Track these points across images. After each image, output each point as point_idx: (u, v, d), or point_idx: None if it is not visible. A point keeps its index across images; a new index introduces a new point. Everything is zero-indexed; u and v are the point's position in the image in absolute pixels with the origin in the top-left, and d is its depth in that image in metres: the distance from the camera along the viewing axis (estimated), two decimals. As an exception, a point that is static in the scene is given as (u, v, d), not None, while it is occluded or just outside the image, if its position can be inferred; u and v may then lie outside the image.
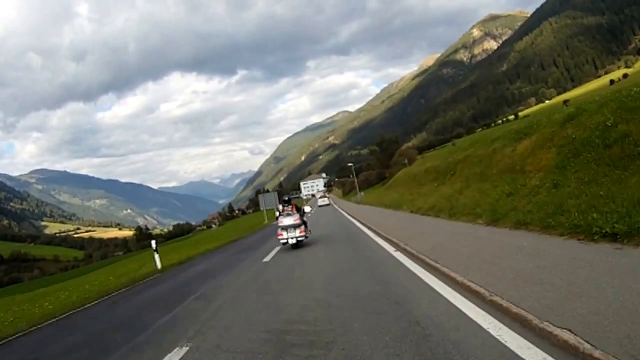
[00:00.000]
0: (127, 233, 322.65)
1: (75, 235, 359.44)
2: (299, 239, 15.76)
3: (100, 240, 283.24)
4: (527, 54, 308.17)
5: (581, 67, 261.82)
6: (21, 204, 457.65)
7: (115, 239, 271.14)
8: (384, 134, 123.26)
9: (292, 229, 15.72)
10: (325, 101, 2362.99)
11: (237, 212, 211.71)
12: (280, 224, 16.00)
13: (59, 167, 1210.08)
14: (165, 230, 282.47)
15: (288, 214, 15.99)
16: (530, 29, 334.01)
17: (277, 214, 16.52)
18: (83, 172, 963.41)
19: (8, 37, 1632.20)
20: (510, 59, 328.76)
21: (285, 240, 15.81)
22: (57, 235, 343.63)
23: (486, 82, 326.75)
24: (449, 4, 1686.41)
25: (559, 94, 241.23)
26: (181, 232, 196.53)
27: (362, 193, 70.04)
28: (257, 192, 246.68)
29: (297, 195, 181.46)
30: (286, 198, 16.89)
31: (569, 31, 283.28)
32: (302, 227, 15.94)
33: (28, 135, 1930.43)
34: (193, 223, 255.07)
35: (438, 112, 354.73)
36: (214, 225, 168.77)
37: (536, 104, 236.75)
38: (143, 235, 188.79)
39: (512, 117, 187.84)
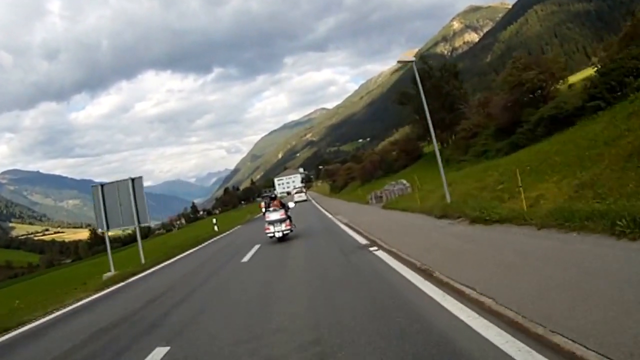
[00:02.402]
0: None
1: (36, 238, 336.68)
2: (284, 232, 17.27)
3: (62, 243, 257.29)
4: (512, 44, 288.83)
5: (571, 54, 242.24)
6: None
7: (80, 241, 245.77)
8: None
9: (279, 223, 17.24)
10: (302, 99, 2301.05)
11: (202, 212, 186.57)
12: (267, 219, 17.54)
13: (32, 167, 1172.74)
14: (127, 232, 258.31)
15: (274, 210, 17.55)
16: (514, 18, 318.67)
17: (264, 209, 18.33)
18: (57, 172, 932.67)
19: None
20: (495, 50, 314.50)
21: (272, 234, 17.29)
22: (17, 238, 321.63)
23: (471, 74, 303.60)
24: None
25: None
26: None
27: (404, 181, 34.18)
28: (225, 190, 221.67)
29: (268, 194, 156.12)
30: (273, 195, 19.61)
31: (556, 19, 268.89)
32: (288, 221, 17.47)
33: (0, 136, 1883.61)
34: (152, 225, 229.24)
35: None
36: (174, 229, 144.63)
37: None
38: (99, 239, 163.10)
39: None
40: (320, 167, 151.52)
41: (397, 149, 64.09)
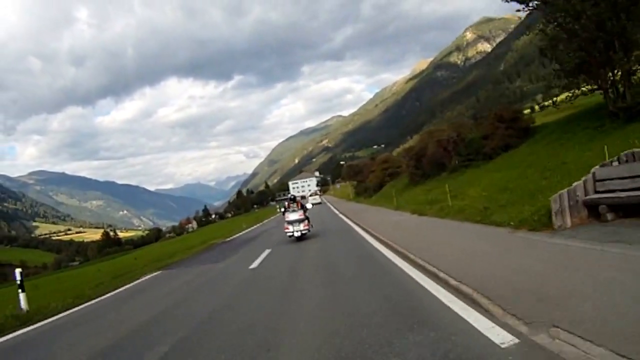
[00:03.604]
0: (119, 234, 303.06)
1: (55, 238, 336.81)
2: (303, 232, 17.42)
3: (81, 243, 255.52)
4: (526, 53, 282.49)
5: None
6: (15, 205, 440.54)
7: (97, 241, 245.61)
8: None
9: (297, 223, 17.44)
10: (319, 106, 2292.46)
11: (214, 216, 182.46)
12: (286, 219, 17.80)
13: (58, 169, 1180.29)
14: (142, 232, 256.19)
15: (294, 210, 17.87)
16: (527, 28, 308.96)
17: (283, 209, 18.42)
18: (82, 174, 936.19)
19: (9, 41, 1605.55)
20: (508, 59, 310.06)
21: (291, 233, 17.45)
22: (36, 237, 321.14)
23: (485, 82, 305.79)
24: (442, 9, 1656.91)
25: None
26: (149, 239, 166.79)
27: None
28: (238, 194, 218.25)
29: (283, 198, 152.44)
30: (292, 197, 19.27)
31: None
32: (306, 221, 17.68)
33: (28, 138, 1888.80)
34: (163, 229, 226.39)
35: (435, 113, 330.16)
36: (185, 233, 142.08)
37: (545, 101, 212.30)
38: (110, 241, 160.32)
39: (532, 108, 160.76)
40: (342, 162, 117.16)
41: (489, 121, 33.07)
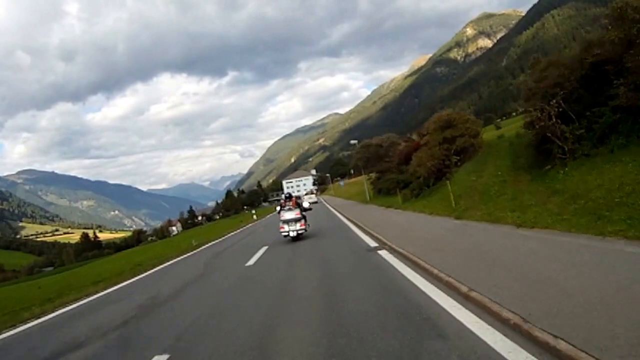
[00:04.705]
0: (108, 236, 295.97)
1: (39, 239, 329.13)
2: (299, 232, 16.67)
3: (64, 245, 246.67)
4: (529, 47, 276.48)
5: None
6: (1, 204, 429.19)
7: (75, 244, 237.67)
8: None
9: (293, 223, 16.62)
10: (316, 104, 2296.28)
11: (200, 218, 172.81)
12: (282, 218, 16.89)
13: (48, 167, 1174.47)
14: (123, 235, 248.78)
15: (289, 209, 16.87)
16: (529, 23, 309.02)
17: (279, 208, 17.47)
18: (72, 173, 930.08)
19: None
20: (511, 54, 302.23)
21: (286, 233, 16.68)
22: (19, 238, 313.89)
23: (487, 78, 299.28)
24: (441, 6, 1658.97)
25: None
26: (131, 241, 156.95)
27: None
28: (228, 194, 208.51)
29: (276, 198, 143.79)
30: (288, 194, 17.97)
31: (574, 22, 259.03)
32: (302, 221, 16.87)
33: (17, 136, 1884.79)
34: (148, 230, 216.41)
35: (435, 109, 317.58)
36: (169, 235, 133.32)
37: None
38: (90, 244, 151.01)
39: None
40: (353, 141, 67.67)
41: None
